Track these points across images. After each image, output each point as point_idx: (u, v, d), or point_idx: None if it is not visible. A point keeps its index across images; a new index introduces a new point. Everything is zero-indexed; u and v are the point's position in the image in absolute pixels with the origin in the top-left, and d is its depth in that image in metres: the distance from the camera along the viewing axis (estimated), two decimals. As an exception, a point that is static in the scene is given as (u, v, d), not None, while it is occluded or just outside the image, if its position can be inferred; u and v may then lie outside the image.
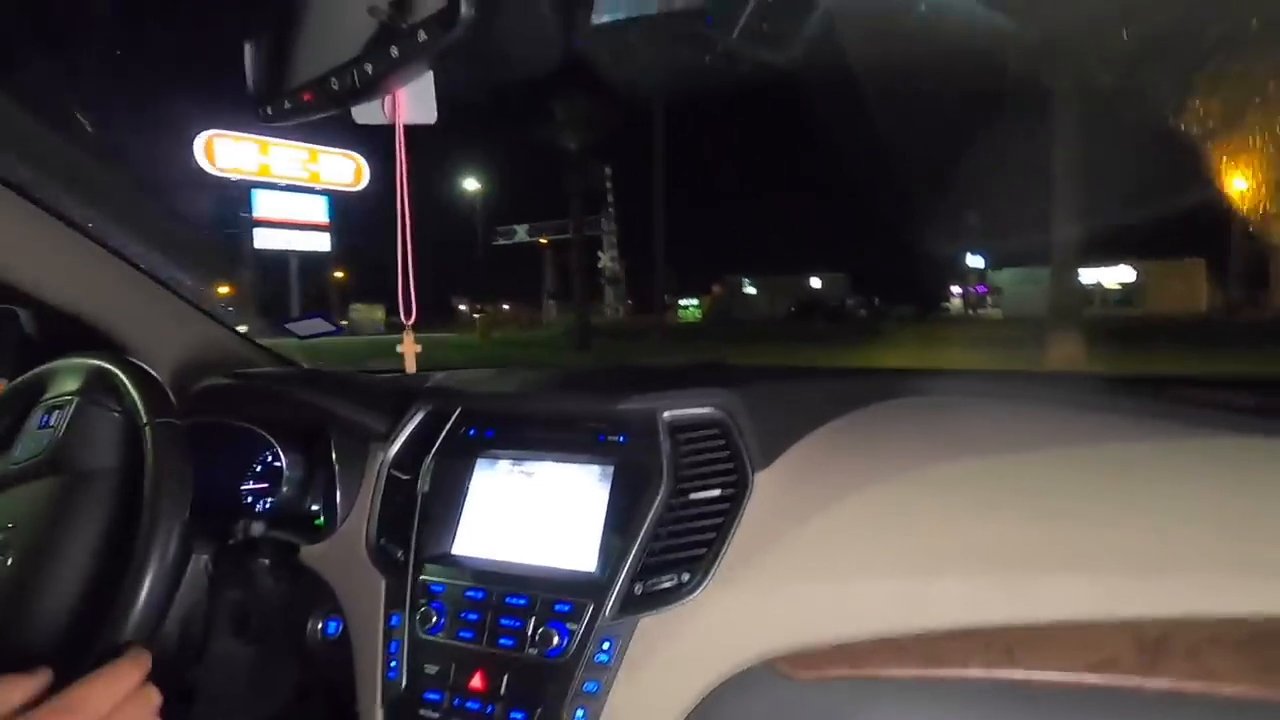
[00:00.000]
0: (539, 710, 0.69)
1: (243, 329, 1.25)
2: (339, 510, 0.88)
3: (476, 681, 0.72)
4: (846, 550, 0.69)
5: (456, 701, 0.72)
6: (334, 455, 0.91)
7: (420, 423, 0.88)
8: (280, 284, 15.49)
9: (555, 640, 0.70)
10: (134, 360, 0.80)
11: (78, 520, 0.75)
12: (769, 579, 0.69)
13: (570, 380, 0.93)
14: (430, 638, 0.75)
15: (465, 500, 0.82)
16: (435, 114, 0.81)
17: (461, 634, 0.74)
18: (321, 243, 15.92)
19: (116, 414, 0.77)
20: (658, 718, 0.68)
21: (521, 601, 0.73)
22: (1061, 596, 0.63)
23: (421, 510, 0.80)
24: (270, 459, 0.96)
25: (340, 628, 0.85)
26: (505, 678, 0.71)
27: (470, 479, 0.83)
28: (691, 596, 0.69)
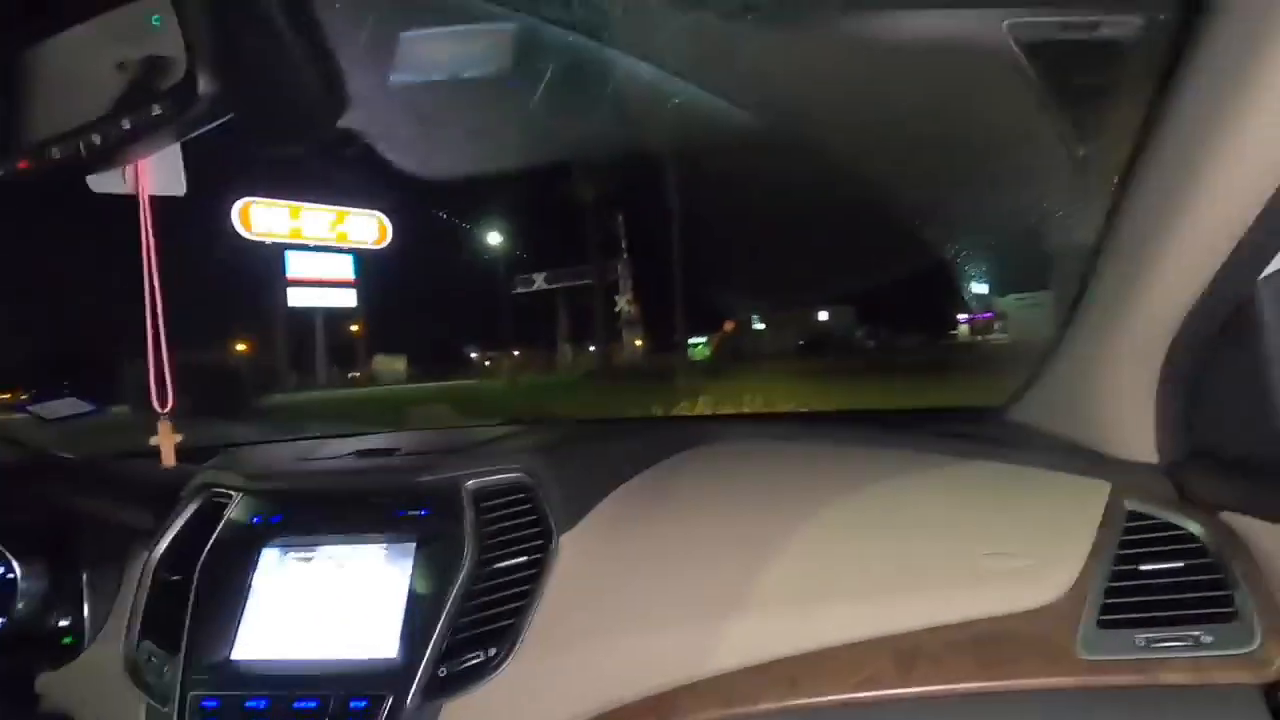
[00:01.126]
0: None
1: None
2: (89, 625, 0.77)
3: None
4: (646, 603, 0.70)
5: None
6: (82, 560, 0.78)
7: (193, 514, 0.77)
8: (306, 340, 16.06)
9: None
10: None
11: None
12: (574, 642, 0.68)
13: (366, 454, 0.85)
14: None
15: (248, 597, 0.72)
16: (184, 186, 0.72)
17: None
18: (348, 299, 16.43)
19: None
20: None
21: (311, 704, 0.65)
22: (832, 624, 0.68)
23: (194, 613, 0.70)
24: (1, 570, 0.79)
25: None
26: None
27: (254, 572, 0.73)
28: (498, 672, 0.66)
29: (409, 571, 0.70)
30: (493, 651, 0.66)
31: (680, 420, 1.43)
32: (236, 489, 0.77)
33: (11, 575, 0.77)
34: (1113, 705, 0.62)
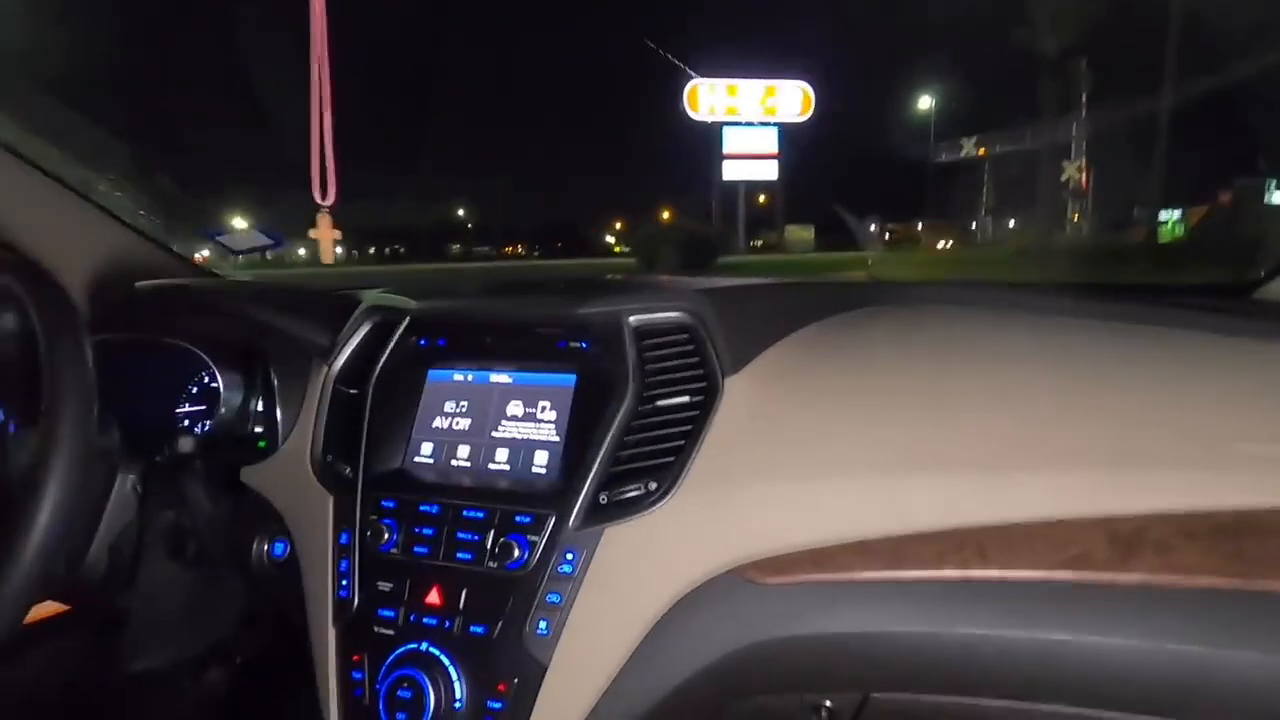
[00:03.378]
0: (499, 623, 0.64)
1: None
2: (280, 429, 0.82)
3: (433, 597, 0.66)
4: (817, 454, 0.65)
5: (413, 617, 0.66)
6: (273, 372, 0.83)
7: (366, 334, 0.79)
8: (730, 210, 17.19)
9: (516, 553, 0.64)
10: (38, 268, 0.68)
11: None
12: (738, 485, 0.64)
13: (527, 286, 0.84)
14: (383, 554, 0.69)
15: (417, 413, 0.75)
16: None
17: (416, 549, 0.68)
18: (771, 171, 16.93)
19: (14, 327, 0.66)
20: (623, 628, 0.63)
21: (479, 514, 0.67)
22: (1035, 495, 0.60)
23: (370, 425, 0.74)
24: (207, 380, 0.85)
25: (287, 549, 0.79)
26: (464, 592, 0.66)
27: (422, 391, 0.76)
28: (659, 505, 0.63)
29: (569, 402, 0.70)
30: (653, 485, 0.64)
31: (848, 281, 1.18)
32: (405, 313, 0.78)
33: (216, 385, 0.85)
34: None
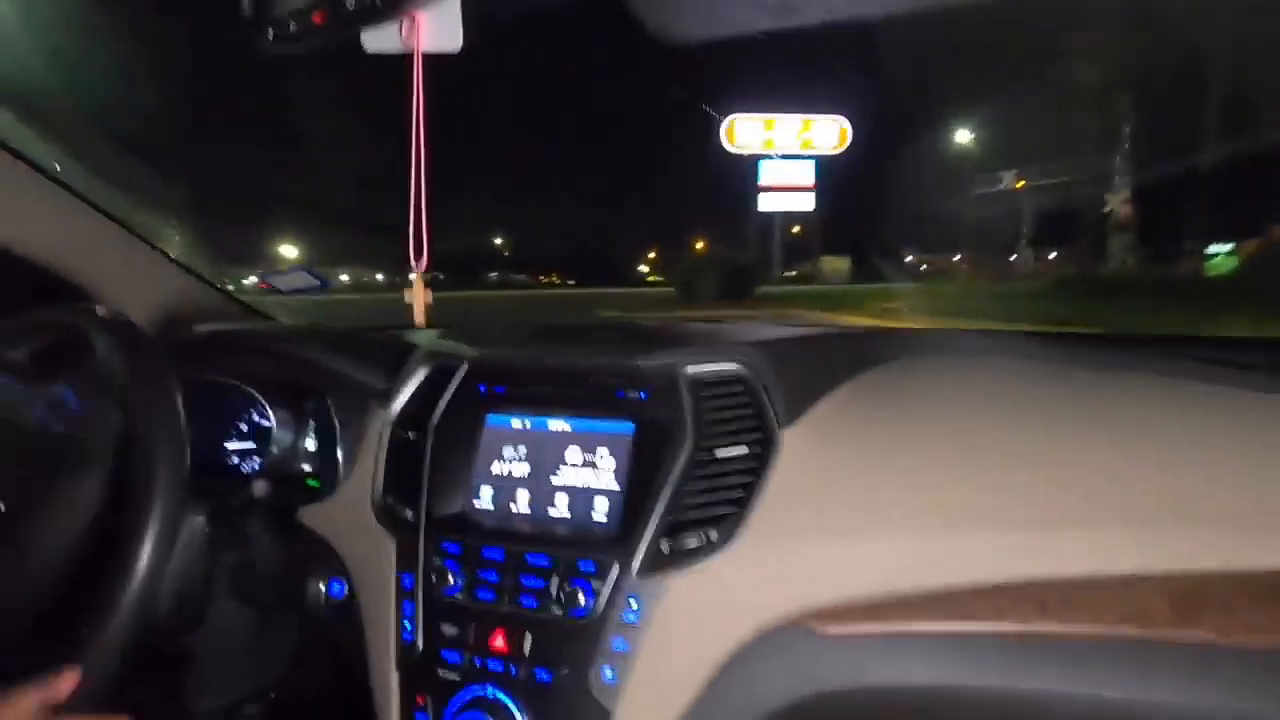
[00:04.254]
0: (565, 670, 0.64)
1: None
2: (340, 471, 0.81)
3: (498, 642, 0.66)
4: (876, 507, 0.65)
5: (477, 661, 0.66)
6: (332, 414, 0.82)
7: (424, 379, 0.79)
8: (766, 240, 17.17)
9: (581, 599, 0.64)
10: (120, 313, 0.68)
11: (65, 487, 0.61)
12: (798, 537, 0.64)
13: (585, 335, 0.84)
14: (447, 598, 0.68)
15: (477, 458, 0.74)
16: (459, 41, 0.66)
17: (480, 594, 0.67)
18: (808, 203, 16.89)
19: (102, 372, 0.64)
20: (687, 676, 0.63)
21: (543, 560, 0.66)
22: (1094, 551, 0.60)
23: (431, 469, 0.73)
24: (257, 418, 0.85)
25: (345, 590, 0.79)
26: (528, 637, 0.65)
27: (481, 437, 0.75)
28: (719, 555, 0.63)
29: (628, 451, 0.69)
30: (714, 536, 0.64)
31: (896, 329, 1.19)
32: (464, 359, 0.77)
33: (268, 423, 0.84)
34: None
